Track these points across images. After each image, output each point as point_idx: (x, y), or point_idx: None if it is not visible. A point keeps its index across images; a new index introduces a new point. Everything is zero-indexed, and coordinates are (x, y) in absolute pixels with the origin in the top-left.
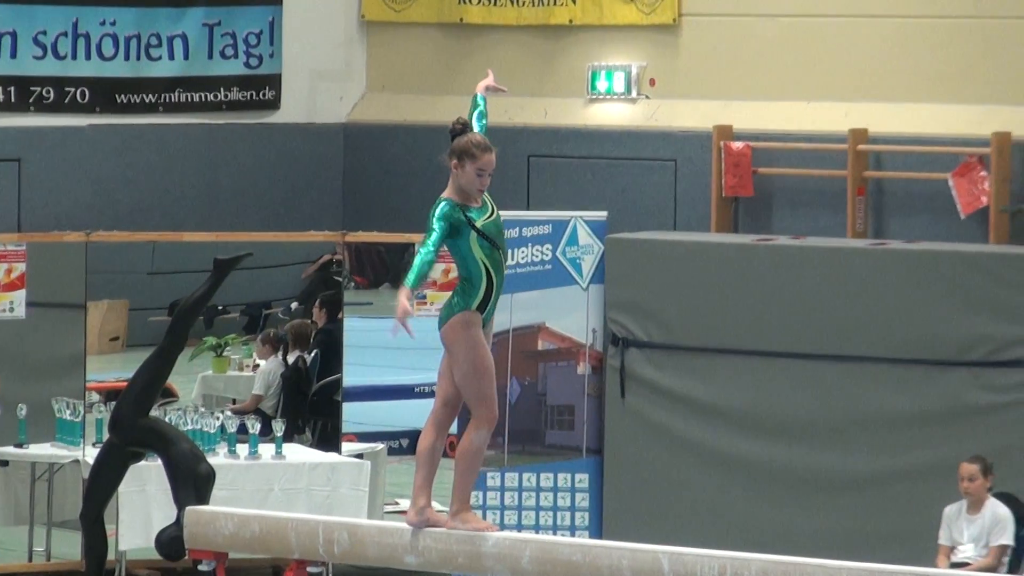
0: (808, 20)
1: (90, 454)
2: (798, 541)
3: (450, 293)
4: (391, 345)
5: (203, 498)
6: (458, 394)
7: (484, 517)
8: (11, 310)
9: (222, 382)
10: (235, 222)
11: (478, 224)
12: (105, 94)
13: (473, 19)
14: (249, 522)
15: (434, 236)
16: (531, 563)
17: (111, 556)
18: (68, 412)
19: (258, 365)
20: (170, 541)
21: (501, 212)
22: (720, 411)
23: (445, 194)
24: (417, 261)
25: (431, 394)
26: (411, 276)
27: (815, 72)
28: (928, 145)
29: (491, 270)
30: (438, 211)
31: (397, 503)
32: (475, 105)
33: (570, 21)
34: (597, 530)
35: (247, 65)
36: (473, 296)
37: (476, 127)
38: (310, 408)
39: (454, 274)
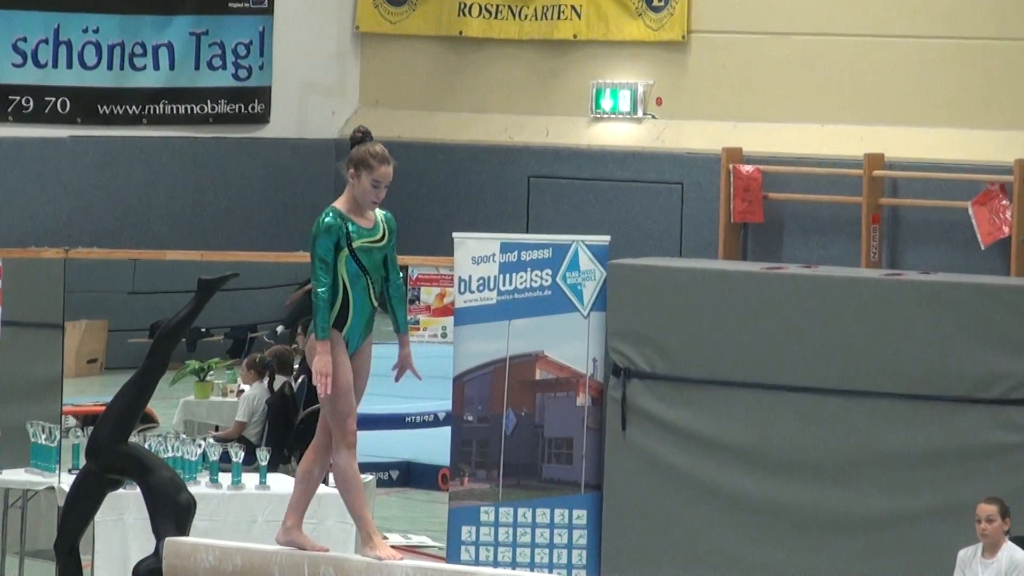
0: (823, 39)
1: (66, 481)
2: None
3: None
4: (380, 373)
5: (183, 529)
6: None
7: (476, 553)
8: None
9: (204, 408)
10: (221, 241)
11: (356, 244)
12: (87, 104)
13: (473, 32)
14: (231, 555)
15: (320, 272)
16: None
17: None
18: (43, 437)
19: (242, 391)
20: (148, 573)
21: (501, 235)
22: (725, 446)
23: (337, 203)
24: (316, 308)
25: (423, 423)
26: (317, 328)
27: (830, 94)
28: (947, 172)
29: (350, 293)
30: (321, 226)
31: (386, 537)
32: (394, 312)
33: (574, 36)
34: (595, 569)
35: (236, 77)
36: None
37: (394, 315)
38: (296, 436)
39: (448, 299)
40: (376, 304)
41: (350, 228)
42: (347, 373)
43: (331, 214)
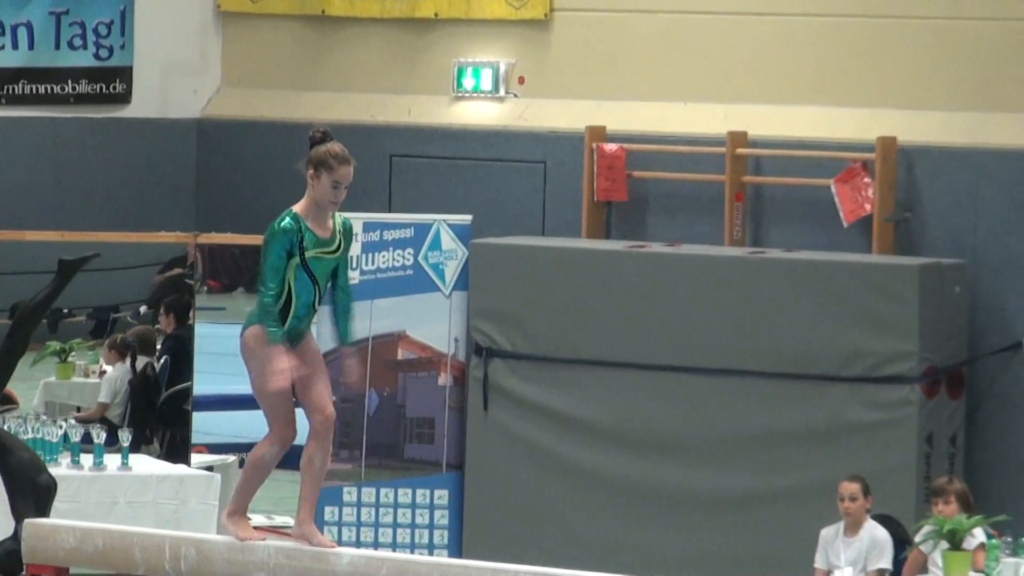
0: (686, 17)
1: None
2: (668, 563)
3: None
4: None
5: (43, 510)
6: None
7: (340, 534)
8: None
9: (66, 389)
10: (82, 221)
11: (309, 255)
12: None
13: (335, 11)
14: (92, 536)
15: (270, 278)
16: None
17: None
18: None
19: (104, 372)
20: (7, 555)
21: (363, 214)
22: (589, 426)
23: (297, 206)
24: (265, 313)
25: None
26: (269, 333)
27: (693, 72)
28: (810, 150)
29: (294, 297)
30: (276, 230)
31: (249, 518)
32: (339, 321)
33: (436, 15)
34: (456, 549)
35: (96, 57)
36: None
37: (336, 297)
38: (158, 417)
39: None
40: (318, 307)
41: (306, 237)
42: (281, 375)
43: (288, 218)
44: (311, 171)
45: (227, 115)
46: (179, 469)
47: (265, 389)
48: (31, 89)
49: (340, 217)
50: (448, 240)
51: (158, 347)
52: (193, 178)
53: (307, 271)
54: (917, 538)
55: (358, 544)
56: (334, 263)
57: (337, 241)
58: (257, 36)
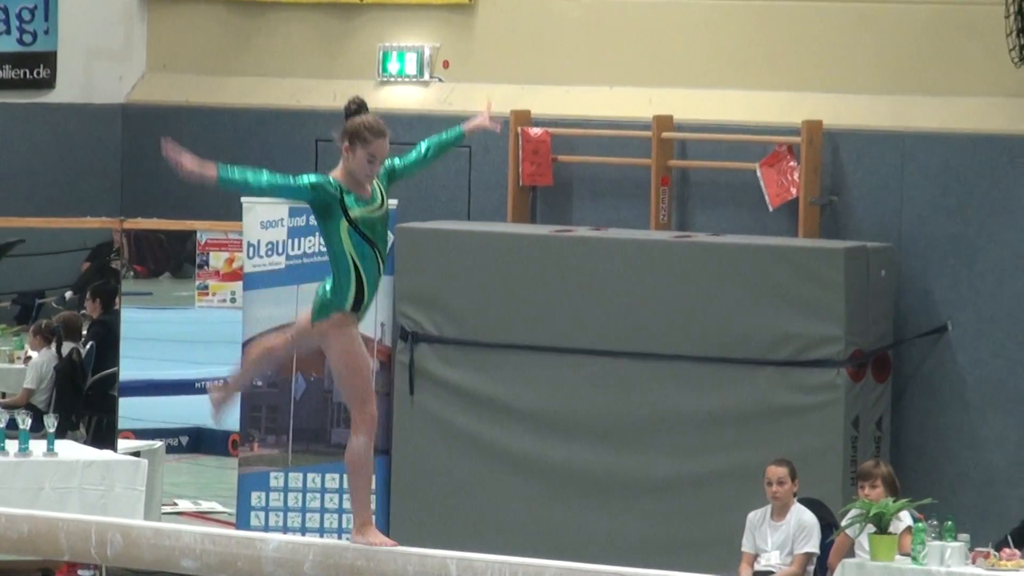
0: (612, 1)
1: None
2: (595, 547)
3: (321, 283)
4: (170, 338)
5: None
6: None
7: (266, 519)
8: None
9: None
10: (6, 207)
11: (354, 214)
12: None
13: None
14: (17, 522)
15: (281, 176)
16: (314, 568)
17: None
18: None
19: (30, 357)
20: None
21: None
22: (515, 410)
23: (333, 173)
24: (249, 170)
25: None
26: (231, 168)
27: (618, 56)
28: (736, 133)
29: (359, 267)
30: (313, 175)
31: (175, 504)
32: (446, 140)
33: (361, 0)
34: (384, 533)
35: (20, 42)
36: (343, 296)
37: (412, 160)
38: (85, 403)
39: (237, 263)
40: (383, 268)
41: (346, 199)
42: (364, 354)
43: (326, 178)
44: (345, 143)
45: (152, 100)
46: (105, 455)
47: (350, 367)
48: None
49: None
50: None
51: (84, 333)
52: (118, 163)
53: (360, 234)
54: (843, 522)
55: (285, 529)
56: (383, 220)
57: (379, 197)
58: (182, 21)
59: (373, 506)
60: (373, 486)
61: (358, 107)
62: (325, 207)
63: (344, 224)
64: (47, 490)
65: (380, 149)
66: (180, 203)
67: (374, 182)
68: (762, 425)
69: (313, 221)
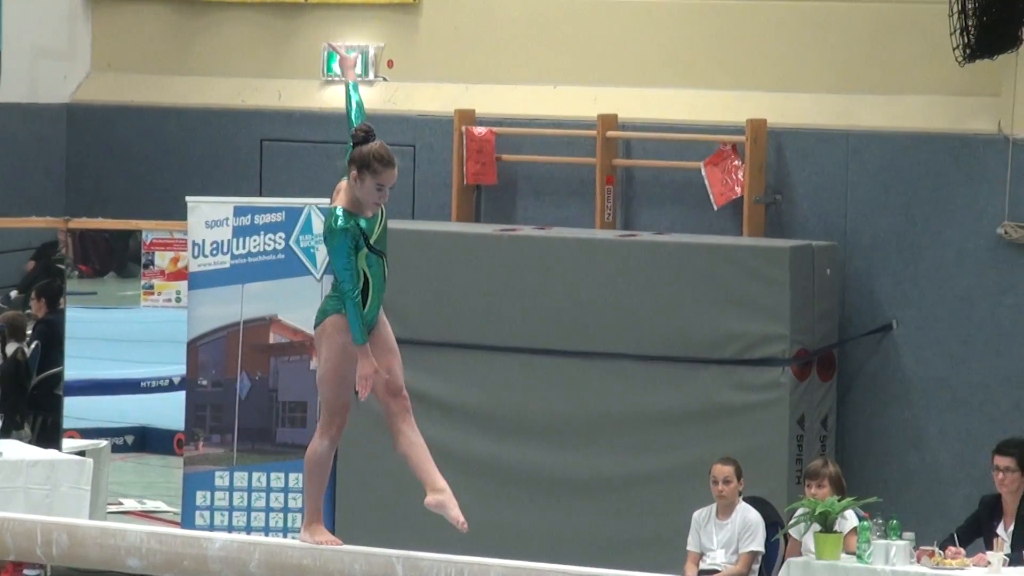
0: (556, 1)
1: None
2: (539, 545)
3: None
4: (115, 337)
5: None
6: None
7: (212, 518)
8: None
9: None
10: None
11: (372, 239)
12: None
13: None
14: None
15: (346, 274)
16: (259, 567)
17: None
18: None
19: None
20: None
21: (234, 198)
22: (460, 409)
23: (340, 202)
24: (350, 312)
25: (158, 388)
26: (356, 333)
27: (562, 55)
28: (680, 132)
29: (370, 280)
30: (336, 224)
31: (121, 503)
32: (348, 98)
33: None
34: (329, 532)
35: None
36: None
37: (354, 122)
38: (29, 402)
39: (182, 263)
40: (388, 274)
41: (363, 226)
42: (350, 362)
43: (341, 217)
44: (354, 171)
45: (97, 100)
46: (50, 454)
47: (334, 374)
48: None
49: None
50: (319, 224)
51: (29, 332)
52: (63, 163)
53: (376, 252)
54: (790, 522)
55: (230, 529)
56: (384, 232)
57: (381, 215)
58: (127, 21)
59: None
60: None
61: (366, 134)
62: (355, 243)
63: (364, 251)
64: None
65: (388, 178)
66: (125, 203)
67: None
68: (707, 424)
69: (258, 219)
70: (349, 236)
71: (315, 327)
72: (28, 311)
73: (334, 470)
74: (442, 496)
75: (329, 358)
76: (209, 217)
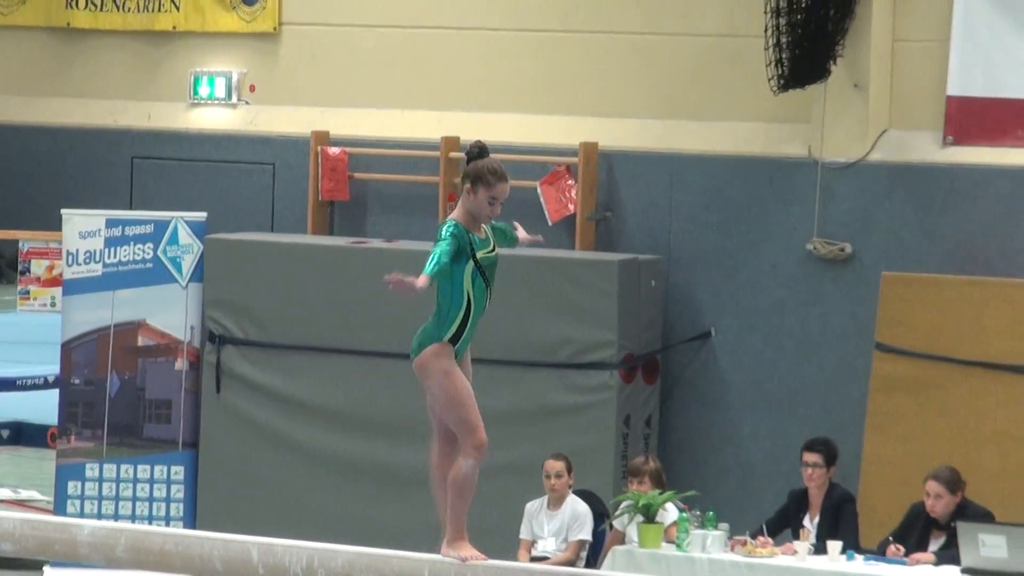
0: (405, 31)
1: None
2: (386, 534)
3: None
4: None
5: None
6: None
7: (82, 507)
8: None
9: None
10: None
11: (479, 255)
12: None
13: (80, 24)
14: None
15: (444, 246)
16: (125, 551)
17: None
18: None
19: None
20: None
21: (106, 211)
22: (313, 407)
23: (453, 215)
24: (437, 254)
25: (33, 386)
26: (429, 266)
27: (410, 82)
28: (518, 154)
29: (473, 304)
30: (448, 229)
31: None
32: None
33: (174, 27)
34: (191, 521)
35: None
36: (446, 327)
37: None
38: None
39: (57, 270)
40: (488, 305)
41: (473, 241)
42: (463, 382)
43: (453, 225)
44: (468, 185)
45: None
46: None
47: (452, 397)
48: None
49: None
50: (185, 236)
51: None
52: None
53: (481, 273)
54: (615, 514)
55: (100, 517)
56: (495, 259)
57: (491, 241)
58: (7, 45)
59: (182, 494)
60: (176, 475)
61: (480, 151)
62: (459, 251)
63: (471, 266)
64: None
65: (502, 192)
66: (4, 214)
67: (486, 227)
68: (541, 423)
69: (129, 231)
70: (455, 240)
71: (412, 360)
72: None
73: (196, 466)
74: (457, 548)
75: (440, 383)
76: (83, 228)
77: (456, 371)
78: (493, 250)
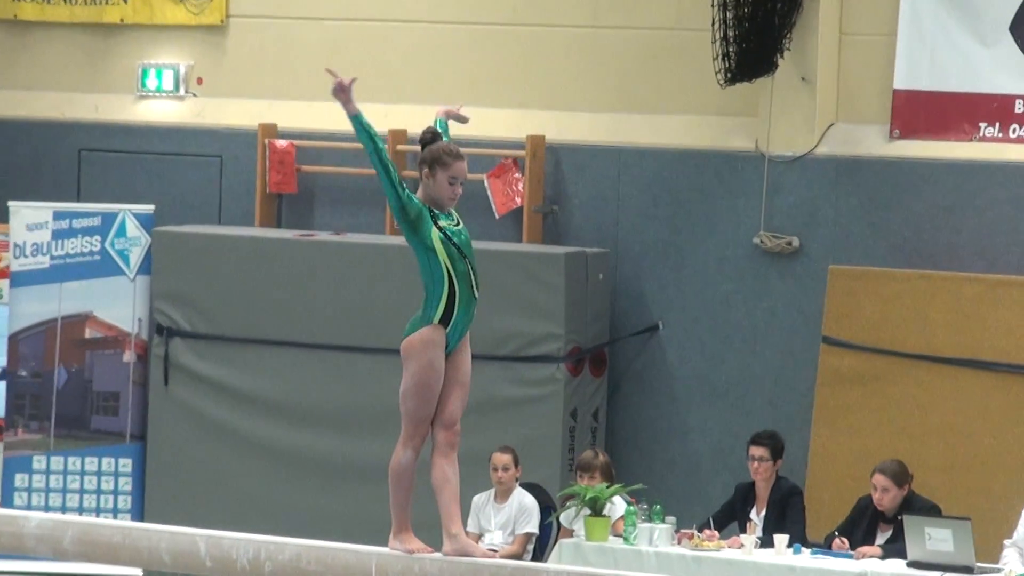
0: (351, 24)
1: None
2: (331, 526)
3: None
4: None
5: None
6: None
7: (29, 499)
8: None
9: None
10: None
11: (442, 225)
12: None
13: (27, 16)
14: None
15: (393, 166)
16: (72, 543)
17: None
18: None
19: None
20: None
21: (53, 204)
22: (260, 400)
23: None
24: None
25: None
26: (366, 121)
27: (357, 74)
28: (466, 147)
29: (455, 279)
30: (414, 203)
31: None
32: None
33: (121, 20)
34: (139, 513)
35: None
36: (433, 308)
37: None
38: None
39: (4, 263)
40: (478, 295)
41: (436, 215)
42: (435, 380)
43: (420, 202)
44: (425, 169)
45: None
46: None
47: (418, 388)
48: None
49: None
50: (133, 228)
51: None
52: None
53: (454, 245)
54: (562, 509)
55: (47, 509)
56: (467, 237)
57: (457, 219)
58: None
59: (129, 486)
60: (124, 468)
61: (433, 135)
62: (418, 215)
63: (435, 232)
64: None
65: (460, 170)
66: None
67: (453, 211)
68: (488, 415)
69: (76, 223)
70: (412, 200)
71: (403, 342)
72: None
73: (143, 458)
74: (456, 544)
75: (416, 372)
76: (30, 221)
77: (438, 368)
78: (460, 226)
